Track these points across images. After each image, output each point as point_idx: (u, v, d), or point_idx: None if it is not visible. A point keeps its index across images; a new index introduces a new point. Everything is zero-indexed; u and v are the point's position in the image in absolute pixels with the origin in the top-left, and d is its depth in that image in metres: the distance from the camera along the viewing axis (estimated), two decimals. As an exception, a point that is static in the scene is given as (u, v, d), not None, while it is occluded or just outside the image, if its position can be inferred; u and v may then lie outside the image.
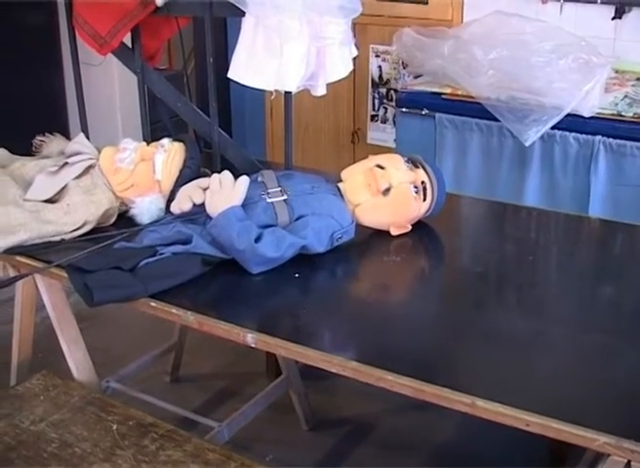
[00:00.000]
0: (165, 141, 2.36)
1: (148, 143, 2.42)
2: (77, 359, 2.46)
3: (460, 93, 3.33)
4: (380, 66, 4.01)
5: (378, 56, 3.98)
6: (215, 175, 2.09)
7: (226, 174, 2.07)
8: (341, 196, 2.19)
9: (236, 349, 2.12)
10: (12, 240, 2.17)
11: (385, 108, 4.05)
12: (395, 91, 3.88)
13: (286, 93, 2.41)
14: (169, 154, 2.32)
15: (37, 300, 2.52)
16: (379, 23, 3.86)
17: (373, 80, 4.04)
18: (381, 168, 2.18)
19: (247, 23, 2.24)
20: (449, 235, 2.38)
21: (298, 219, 2.08)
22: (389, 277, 2.12)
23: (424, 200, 2.23)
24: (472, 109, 3.27)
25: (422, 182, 2.22)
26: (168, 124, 2.84)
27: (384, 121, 4.07)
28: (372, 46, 3.95)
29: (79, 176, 2.35)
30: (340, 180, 2.23)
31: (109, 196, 2.32)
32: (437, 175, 2.27)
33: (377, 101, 4.08)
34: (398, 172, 2.18)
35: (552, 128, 3.10)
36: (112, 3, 2.42)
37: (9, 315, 2.69)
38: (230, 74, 2.28)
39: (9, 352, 2.67)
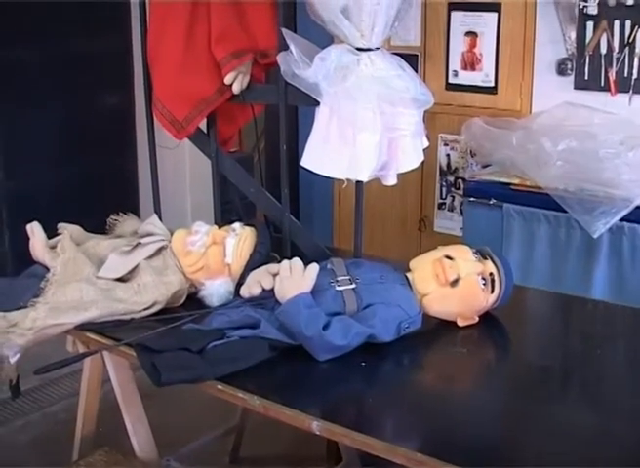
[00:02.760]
0: (236, 226, 2.40)
1: (220, 227, 2.46)
2: (140, 437, 2.46)
3: (528, 183, 3.33)
4: (448, 155, 4.04)
5: (446, 144, 4.02)
6: (285, 262, 2.12)
7: (297, 261, 2.10)
8: (409, 286, 2.19)
9: (297, 432, 2.11)
10: (83, 316, 2.21)
11: (453, 197, 4.07)
12: (463, 180, 3.90)
13: (357, 182, 2.44)
14: (240, 238, 2.36)
15: (103, 373, 2.55)
16: (448, 112, 3.91)
17: (441, 168, 4.07)
18: (450, 258, 2.19)
19: (321, 113, 2.29)
20: (515, 327, 2.35)
21: (366, 308, 2.09)
22: (455, 368, 2.10)
23: (492, 292, 2.23)
24: (540, 200, 3.26)
25: (491, 274, 2.22)
26: (238, 206, 2.88)
27: (452, 209, 4.08)
28: (441, 135, 3.99)
29: (151, 257, 2.40)
30: (408, 270, 2.24)
31: (180, 277, 2.36)
32: (505, 267, 2.26)
33: (444, 190, 4.10)
34: (466, 263, 2.19)
35: (621, 220, 3.08)
36: (190, 90, 2.49)
37: (75, 388, 2.72)
38: (303, 162, 2.32)
39: (72, 425, 2.70)
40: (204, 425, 3.22)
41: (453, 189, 4.07)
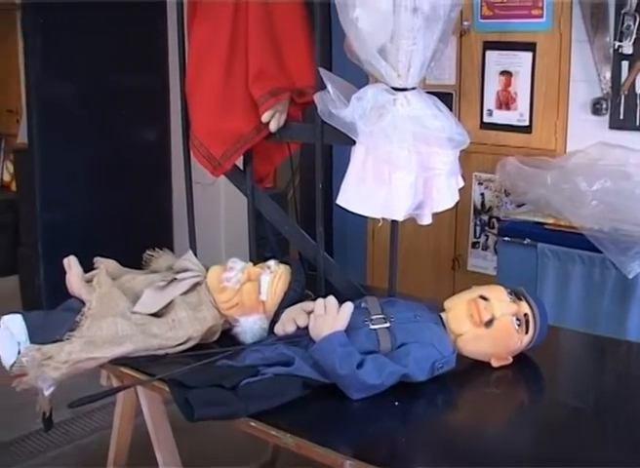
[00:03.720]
0: (271, 263, 2.41)
1: (255, 263, 2.47)
2: (171, 471, 2.48)
3: (562, 223, 3.32)
4: (482, 194, 4.03)
5: (481, 183, 4.02)
6: (320, 300, 2.12)
7: (331, 299, 2.11)
8: (444, 325, 2.19)
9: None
10: (118, 351, 2.22)
11: (487, 236, 4.06)
12: (497, 219, 3.89)
13: (393, 221, 2.45)
14: (275, 276, 2.37)
15: (136, 407, 2.56)
16: (482, 151, 3.91)
17: (475, 207, 4.06)
18: (485, 299, 2.18)
19: (357, 152, 2.30)
20: (549, 368, 2.34)
21: (400, 347, 2.09)
22: (488, 409, 2.10)
23: (527, 333, 2.22)
24: (575, 240, 3.24)
25: (525, 315, 2.21)
26: (273, 243, 2.90)
27: (485, 248, 4.07)
28: (475, 173, 3.99)
29: (186, 293, 2.42)
30: (443, 309, 2.24)
31: (214, 313, 2.38)
32: (540, 309, 2.26)
33: (478, 228, 4.09)
34: (501, 303, 2.18)
35: (656, 260, 3.06)
36: (228, 127, 2.52)
37: (107, 421, 2.73)
38: (339, 201, 2.33)
39: (105, 458, 2.71)
40: (235, 461, 3.22)
41: (487, 228, 4.06)
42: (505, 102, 3.93)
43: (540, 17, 3.74)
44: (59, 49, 4.12)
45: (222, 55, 2.47)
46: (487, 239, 4.07)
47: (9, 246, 5.81)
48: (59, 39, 4.11)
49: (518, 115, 3.91)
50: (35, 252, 4.32)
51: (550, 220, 3.37)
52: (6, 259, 5.81)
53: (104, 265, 2.56)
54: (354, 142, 2.29)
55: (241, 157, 2.64)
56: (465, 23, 3.93)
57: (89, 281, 2.50)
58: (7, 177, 6.27)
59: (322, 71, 2.32)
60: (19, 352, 2.24)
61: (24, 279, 5.21)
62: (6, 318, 2.33)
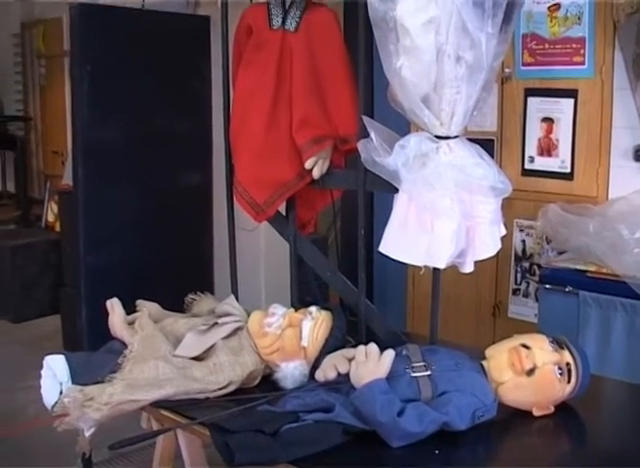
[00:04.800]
0: (313, 309, 2.42)
1: (296, 309, 2.48)
2: (209, 514, 2.48)
3: (604, 271, 3.30)
4: (523, 240, 4.02)
5: (522, 230, 4.00)
6: (361, 347, 2.13)
7: (373, 346, 2.11)
8: (485, 374, 2.19)
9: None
10: (158, 394, 2.23)
11: (528, 283, 4.03)
12: (538, 266, 3.86)
13: (434, 269, 2.45)
14: (316, 322, 2.38)
15: (175, 449, 2.57)
16: (524, 198, 3.90)
17: (516, 254, 4.04)
18: (526, 347, 2.17)
19: (400, 200, 2.32)
20: (591, 418, 2.32)
21: (441, 395, 2.09)
22: (530, 459, 2.07)
23: (569, 382, 2.20)
24: (617, 288, 3.22)
25: (567, 364, 2.20)
26: (314, 287, 2.91)
27: (526, 295, 4.04)
28: (516, 220, 3.98)
29: (227, 337, 2.44)
30: (484, 357, 2.24)
31: (255, 358, 2.39)
32: (582, 358, 2.24)
33: (519, 275, 4.06)
34: (543, 352, 2.17)
35: (700, 309, 3.03)
36: (271, 174, 2.55)
37: (146, 462, 2.73)
38: (382, 248, 2.34)
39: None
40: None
41: (528, 275, 4.04)
42: (547, 149, 3.93)
43: (582, 63, 3.75)
44: (105, 94, 4.21)
45: (267, 102, 2.51)
46: (528, 286, 4.04)
47: (52, 286, 5.89)
48: (105, 85, 4.21)
49: (560, 162, 3.90)
50: (78, 292, 4.37)
51: (592, 268, 3.35)
52: (48, 299, 5.89)
53: (147, 308, 2.59)
54: (397, 190, 2.30)
55: (284, 203, 2.66)
56: (507, 70, 3.94)
57: (131, 323, 2.52)
58: (51, 218, 6.35)
59: (365, 119, 2.34)
60: (61, 392, 2.27)
61: (66, 319, 5.27)
62: (49, 358, 2.35)
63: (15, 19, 6.91)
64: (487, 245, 2.40)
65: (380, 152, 2.28)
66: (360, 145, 2.34)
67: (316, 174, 2.52)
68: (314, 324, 2.37)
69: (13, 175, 6.83)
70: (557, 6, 3.80)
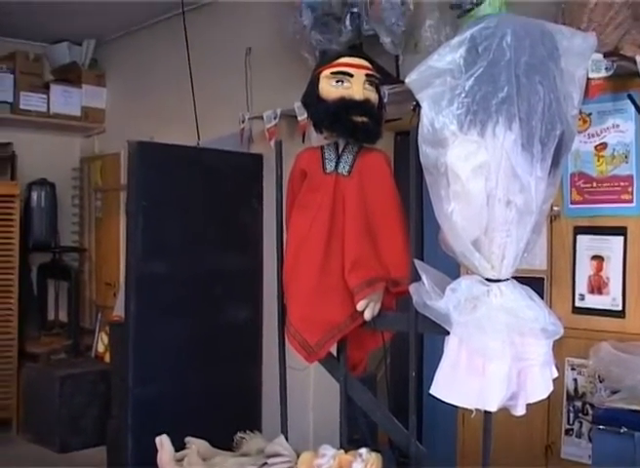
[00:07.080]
0: (363, 451, 2.41)
1: (346, 451, 2.46)
2: None
3: (660, 408, 3.24)
4: (575, 379, 3.96)
5: (573, 368, 3.95)
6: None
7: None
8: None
9: None
10: None
11: (581, 422, 3.95)
12: (591, 405, 3.79)
13: (486, 412, 2.43)
14: (366, 464, 2.36)
15: None
16: (575, 336, 3.86)
17: (568, 393, 3.97)
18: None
19: (451, 342, 2.32)
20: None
21: None
22: None
23: None
24: (673, 430, 3.16)
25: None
26: (363, 427, 2.89)
27: (579, 436, 3.95)
28: (568, 358, 3.93)
29: (277, 478, 2.42)
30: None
31: (304, 500, 2.36)
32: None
33: (572, 415, 3.99)
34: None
35: None
36: (323, 316, 2.57)
37: None
38: (432, 391, 2.33)
39: None
40: None
41: (581, 415, 3.96)
42: (598, 287, 3.92)
43: (630, 202, 3.77)
44: (158, 229, 4.30)
45: (320, 244, 2.55)
46: (581, 426, 3.96)
47: (99, 417, 5.89)
48: (159, 220, 4.29)
49: (611, 300, 3.88)
50: (125, 425, 4.35)
51: (647, 409, 3.29)
52: (95, 430, 5.88)
53: (196, 446, 2.59)
54: (448, 333, 2.31)
55: (335, 344, 2.67)
56: (555, 209, 3.97)
57: (179, 460, 2.52)
58: (101, 349, 6.40)
59: (417, 262, 2.37)
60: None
61: (112, 451, 5.25)
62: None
63: (75, 153, 7.15)
64: (539, 387, 2.38)
65: (431, 295, 2.30)
66: (412, 288, 2.36)
67: (368, 316, 2.54)
68: (364, 466, 2.35)
69: (66, 304, 6.92)
70: (604, 145, 3.85)
